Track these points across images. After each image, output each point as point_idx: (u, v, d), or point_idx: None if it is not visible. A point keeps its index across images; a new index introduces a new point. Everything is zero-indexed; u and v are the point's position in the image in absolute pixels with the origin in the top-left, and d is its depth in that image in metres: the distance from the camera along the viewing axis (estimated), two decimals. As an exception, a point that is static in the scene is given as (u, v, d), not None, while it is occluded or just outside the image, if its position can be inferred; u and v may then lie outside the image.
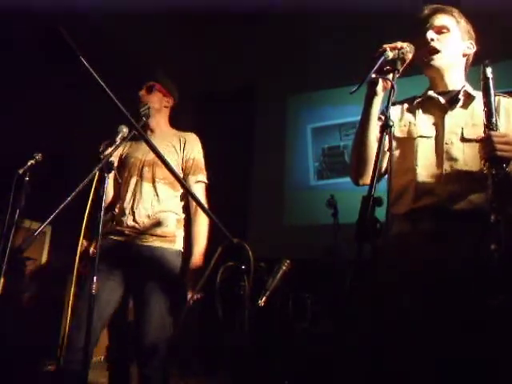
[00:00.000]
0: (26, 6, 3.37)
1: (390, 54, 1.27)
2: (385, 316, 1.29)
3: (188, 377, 3.67)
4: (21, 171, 2.58)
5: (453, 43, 1.54)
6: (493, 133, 1.31)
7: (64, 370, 1.87)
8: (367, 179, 1.48)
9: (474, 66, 1.57)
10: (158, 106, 2.28)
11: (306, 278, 3.55)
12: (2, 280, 2.36)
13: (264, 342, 3.44)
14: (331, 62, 4.71)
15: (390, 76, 1.28)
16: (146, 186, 2.13)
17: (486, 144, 1.31)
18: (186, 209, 2.24)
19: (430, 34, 1.51)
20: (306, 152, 5.13)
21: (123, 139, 2.02)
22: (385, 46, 1.31)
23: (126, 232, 2.08)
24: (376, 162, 1.13)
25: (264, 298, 2.29)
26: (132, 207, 2.10)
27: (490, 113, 1.35)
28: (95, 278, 1.77)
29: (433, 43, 1.49)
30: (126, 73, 3.02)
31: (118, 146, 1.95)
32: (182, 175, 2.18)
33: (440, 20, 1.55)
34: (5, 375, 2.77)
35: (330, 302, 3.48)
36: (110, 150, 2.06)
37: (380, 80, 1.35)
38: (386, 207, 1.07)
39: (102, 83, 1.21)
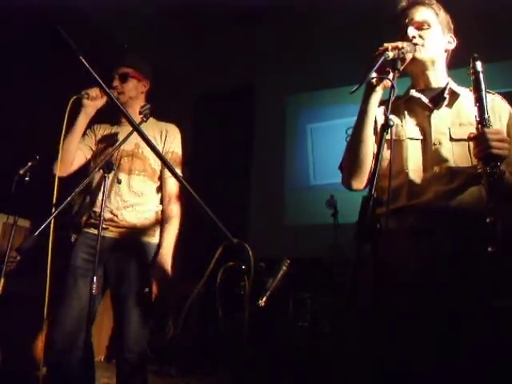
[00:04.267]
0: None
1: (391, 54, 1.26)
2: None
3: (188, 377, 3.67)
4: (21, 172, 2.60)
5: (435, 39, 1.48)
6: (487, 130, 1.27)
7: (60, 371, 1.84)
8: (360, 183, 1.44)
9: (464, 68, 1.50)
10: (135, 94, 2.14)
11: (306, 277, 3.55)
12: (2, 280, 2.37)
13: (264, 342, 3.44)
14: (331, 62, 4.70)
15: (391, 76, 1.27)
16: (123, 178, 2.03)
17: (481, 142, 1.26)
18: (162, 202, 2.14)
19: (412, 32, 1.45)
20: (306, 152, 5.13)
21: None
22: (386, 44, 1.31)
23: (104, 225, 1.97)
24: (376, 162, 1.13)
25: (264, 298, 2.29)
26: (109, 199, 2.00)
27: (481, 108, 1.29)
28: (95, 278, 1.77)
29: (415, 41, 1.43)
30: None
31: (118, 146, 1.94)
32: (159, 167, 2.12)
33: (420, 14, 1.49)
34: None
35: (330, 301, 3.48)
36: (110, 149, 2.04)
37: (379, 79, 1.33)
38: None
39: (102, 83, 1.21)
